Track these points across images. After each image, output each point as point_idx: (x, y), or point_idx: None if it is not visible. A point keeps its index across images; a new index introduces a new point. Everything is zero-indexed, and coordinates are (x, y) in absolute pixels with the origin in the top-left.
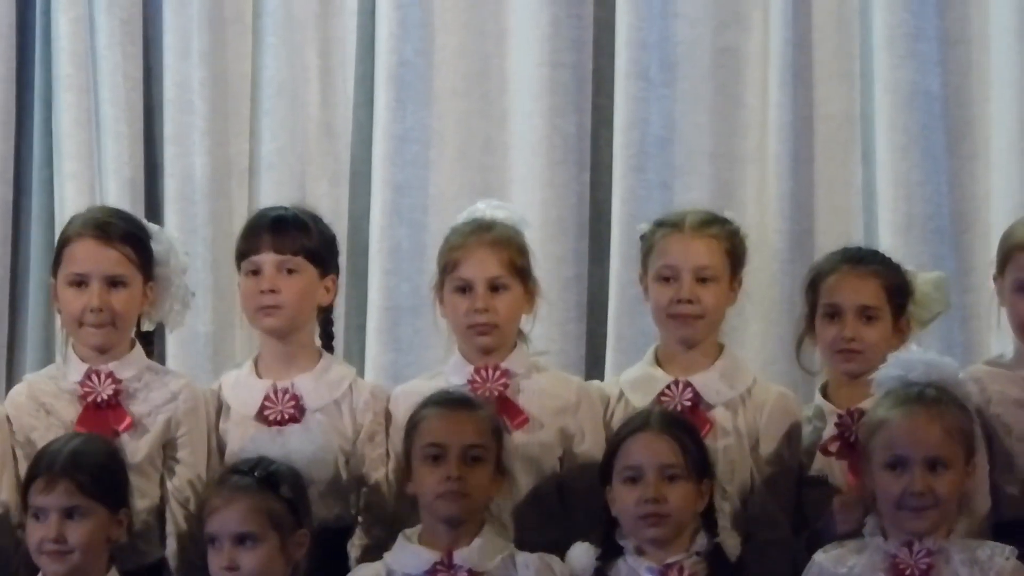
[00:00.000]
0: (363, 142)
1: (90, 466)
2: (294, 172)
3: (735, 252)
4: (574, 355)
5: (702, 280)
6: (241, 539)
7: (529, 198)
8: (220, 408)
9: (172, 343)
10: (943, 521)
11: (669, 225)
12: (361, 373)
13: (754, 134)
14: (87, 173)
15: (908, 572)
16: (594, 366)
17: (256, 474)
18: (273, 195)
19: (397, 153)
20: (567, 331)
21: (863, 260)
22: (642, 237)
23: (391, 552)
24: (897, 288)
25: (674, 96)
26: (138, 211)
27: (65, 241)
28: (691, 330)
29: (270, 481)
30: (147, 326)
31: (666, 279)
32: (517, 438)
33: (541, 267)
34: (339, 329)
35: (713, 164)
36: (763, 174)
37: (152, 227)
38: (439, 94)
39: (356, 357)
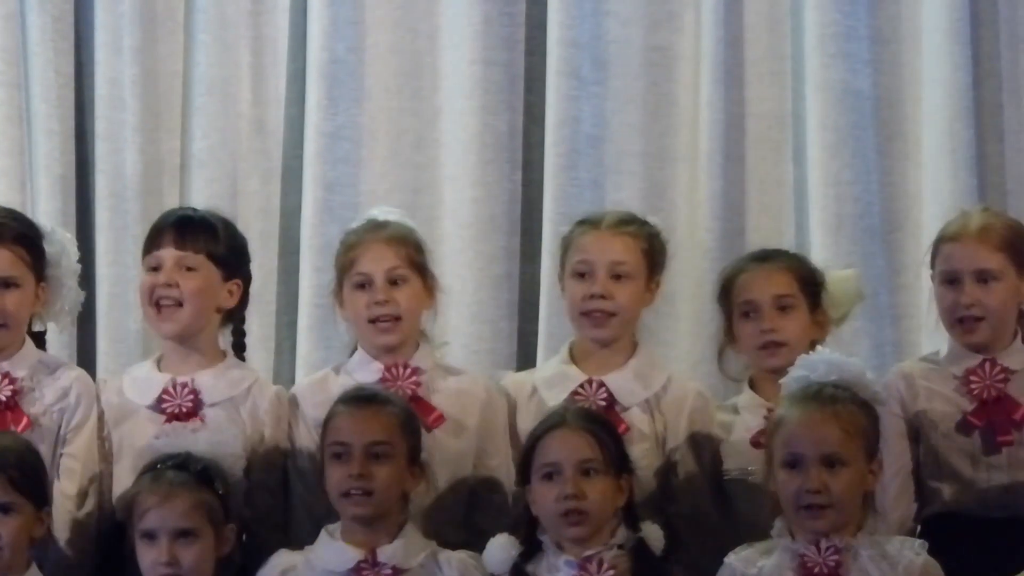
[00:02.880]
0: (294, 139)
1: (18, 462)
2: (225, 169)
3: (653, 252)
4: (505, 353)
5: (616, 277)
6: (181, 535)
7: (460, 196)
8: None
9: (103, 340)
10: (845, 520)
11: (588, 223)
12: (292, 370)
13: (685, 133)
14: (18, 170)
15: (816, 570)
16: (525, 364)
17: (191, 469)
18: (204, 192)
19: (328, 150)
20: (498, 329)
21: (769, 256)
22: (564, 239)
23: (312, 547)
24: (808, 279)
25: (605, 95)
26: (69, 208)
27: None
28: (603, 331)
29: (206, 476)
30: (38, 326)
31: (581, 275)
32: (438, 439)
33: (472, 265)
34: (270, 326)
35: (644, 163)
36: (694, 173)
37: (45, 227)
38: (371, 91)
39: (287, 354)
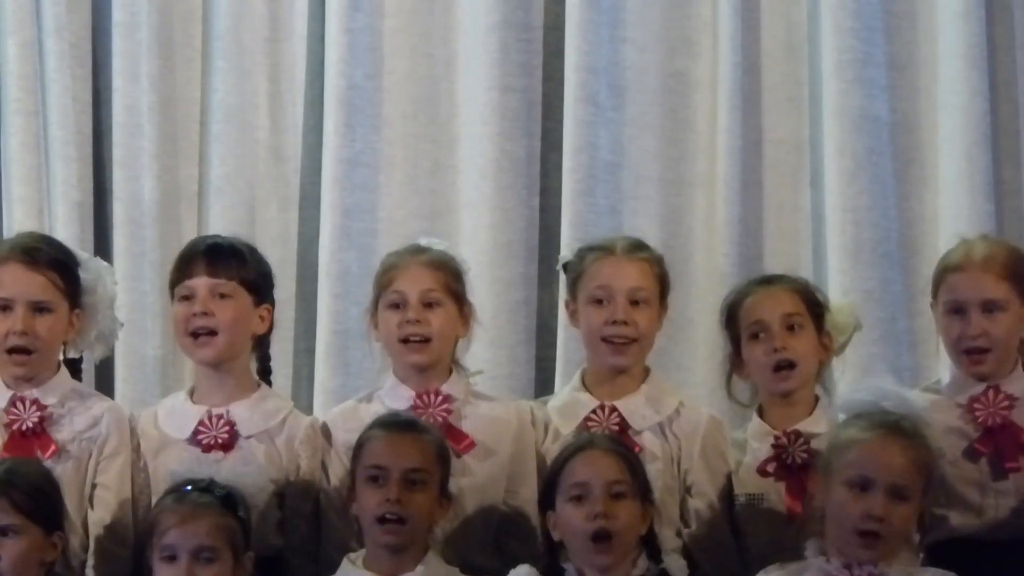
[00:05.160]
0: (312, 166)
1: (25, 485)
2: (243, 196)
3: (663, 277)
4: (523, 379)
5: (635, 303)
6: (201, 554)
7: (478, 222)
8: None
9: (120, 366)
10: (889, 552)
11: (600, 249)
12: (310, 397)
13: (703, 159)
14: (36, 196)
15: None
16: (542, 390)
17: (216, 493)
18: (222, 219)
19: (346, 177)
20: (516, 355)
21: (773, 279)
22: (565, 266)
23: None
24: (814, 299)
25: (623, 121)
26: (86, 235)
27: None
28: (624, 357)
29: (229, 501)
30: (72, 354)
31: (599, 301)
32: (467, 464)
33: (489, 291)
34: (288, 352)
35: (662, 189)
36: (712, 199)
37: (82, 255)
38: (388, 118)
39: (305, 381)
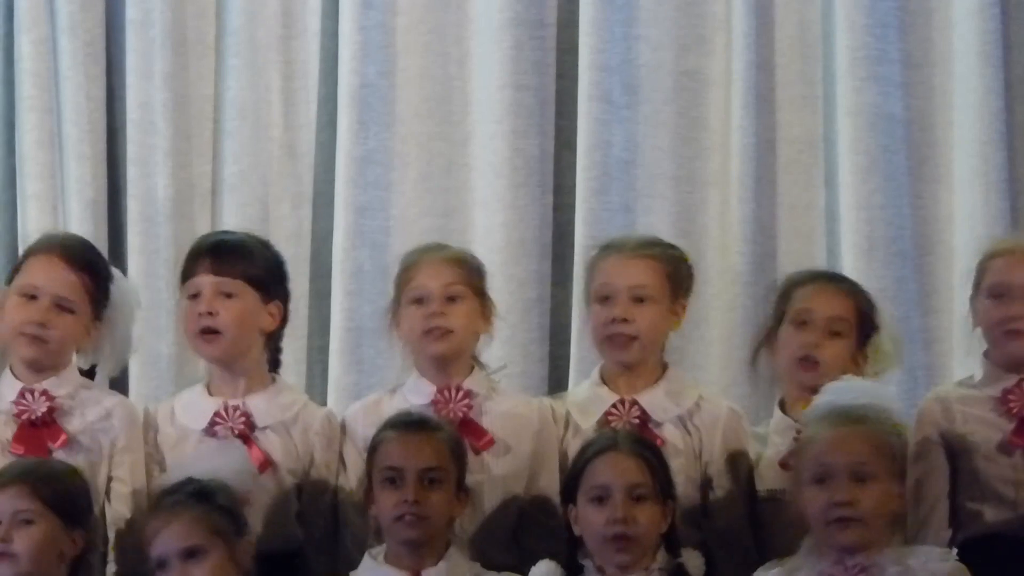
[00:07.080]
0: (326, 164)
1: (47, 475)
2: (257, 194)
3: (677, 276)
4: (536, 377)
5: (638, 300)
6: (189, 554)
7: (491, 220)
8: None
9: (135, 363)
10: (872, 537)
11: (611, 248)
12: (324, 394)
13: (717, 157)
14: (50, 194)
15: None
16: (556, 388)
17: (188, 490)
18: (235, 216)
19: (359, 175)
20: (529, 353)
21: (843, 280)
22: (587, 264)
23: (356, 572)
24: (866, 314)
25: (636, 119)
26: (100, 232)
27: (29, 253)
28: (626, 354)
29: (204, 494)
30: (81, 363)
31: (603, 299)
32: (486, 461)
33: (503, 289)
34: (302, 350)
35: (675, 187)
36: (725, 197)
37: (117, 273)
38: (401, 116)
39: (319, 378)
